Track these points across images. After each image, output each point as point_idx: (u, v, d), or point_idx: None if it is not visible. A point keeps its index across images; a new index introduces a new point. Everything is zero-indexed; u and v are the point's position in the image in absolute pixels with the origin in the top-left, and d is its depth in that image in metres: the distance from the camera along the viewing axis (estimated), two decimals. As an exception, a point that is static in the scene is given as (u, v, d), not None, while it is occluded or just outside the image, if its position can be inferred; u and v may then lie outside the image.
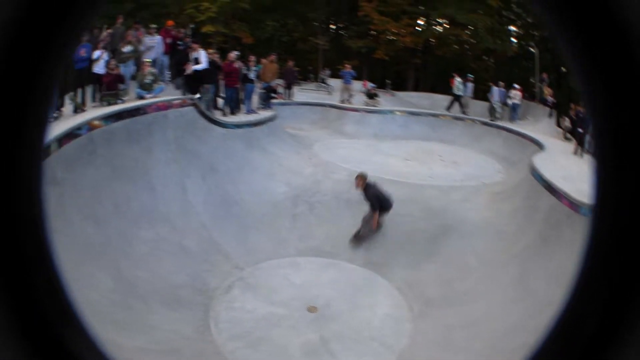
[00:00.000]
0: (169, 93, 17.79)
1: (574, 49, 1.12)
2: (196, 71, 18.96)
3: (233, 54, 21.69)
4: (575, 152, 20.18)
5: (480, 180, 19.07)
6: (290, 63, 30.42)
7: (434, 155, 22.85)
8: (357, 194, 15.26)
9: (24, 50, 1.10)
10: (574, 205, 12.45)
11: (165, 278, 11.11)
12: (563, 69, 44.39)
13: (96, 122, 12.76)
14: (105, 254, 10.72)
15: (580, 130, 20.94)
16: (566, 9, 1.08)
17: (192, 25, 36.87)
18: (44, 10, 1.09)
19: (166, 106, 15.22)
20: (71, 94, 15.12)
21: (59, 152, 11.31)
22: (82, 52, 15.73)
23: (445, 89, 35.98)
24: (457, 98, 30.23)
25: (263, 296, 11.40)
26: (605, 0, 1.02)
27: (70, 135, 11.96)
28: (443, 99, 33.43)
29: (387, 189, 15.51)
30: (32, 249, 1.23)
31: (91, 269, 10.11)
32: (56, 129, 11.95)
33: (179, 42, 22.20)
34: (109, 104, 14.81)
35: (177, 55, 21.32)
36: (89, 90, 15.93)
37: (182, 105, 15.87)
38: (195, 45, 20.72)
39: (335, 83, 33.80)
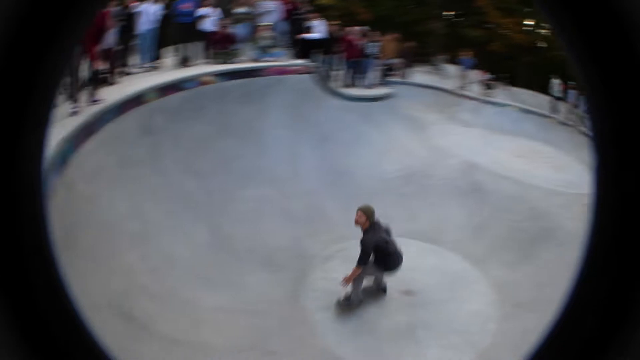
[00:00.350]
0: (287, 59, 17.78)
1: (576, 48, 1.16)
2: (311, 40, 18.99)
3: (357, 28, 21.87)
4: None
5: (577, 189, 18.20)
6: (410, 44, 30.15)
7: (541, 156, 22.29)
8: (470, 183, 15.37)
9: (26, 48, 1.11)
10: None
11: (263, 239, 11.12)
12: None
13: (207, 78, 12.86)
14: (203, 208, 10.82)
15: None
16: (567, 9, 1.11)
17: None
18: (45, 8, 1.12)
19: (283, 71, 15.36)
20: (177, 46, 15.31)
21: (159, 102, 11.51)
22: (186, 6, 15.90)
23: (540, 89, 35.57)
24: (556, 99, 29.94)
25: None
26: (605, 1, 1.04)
27: (175, 87, 12.10)
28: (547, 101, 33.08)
29: (498, 182, 15.62)
30: (33, 250, 1.26)
31: (186, 221, 10.23)
32: (156, 79, 12.11)
33: (296, 11, 22.29)
34: (223, 62, 14.91)
35: (295, 24, 21.31)
36: (194, 45, 16.08)
37: (299, 72, 15.88)
38: (312, 15, 20.82)
39: (450, 69, 33.23)
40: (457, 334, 10.01)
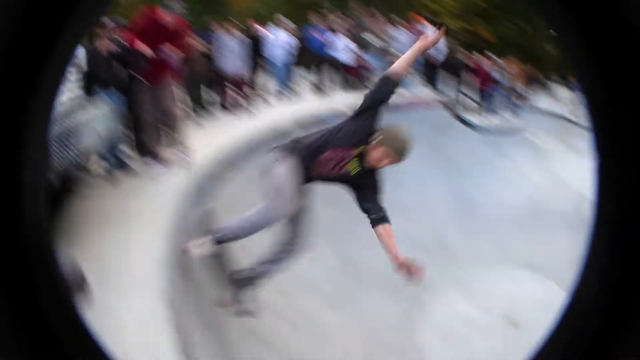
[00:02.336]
0: (419, 90, 18.19)
1: (575, 47, 1.19)
2: (437, 63, 19.39)
3: (485, 56, 22.11)
4: None
5: None
6: (530, 68, 29.82)
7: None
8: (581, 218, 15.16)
9: (28, 49, 1.13)
10: None
11: (387, 264, 11.55)
12: None
13: (343, 109, 13.48)
14: (334, 234, 11.43)
15: None
16: (568, 9, 1.12)
17: (439, 22, 37.27)
18: (46, 8, 1.13)
19: (417, 103, 15.69)
20: (313, 74, 15.79)
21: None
22: (315, 34, 16.49)
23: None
24: None
25: (474, 300, 11.75)
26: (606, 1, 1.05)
27: (315, 120, 12.73)
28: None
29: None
30: (35, 252, 1.27)
31: (319, 246, 10.94)
32: (297, 108, 12.62)
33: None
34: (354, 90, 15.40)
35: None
36: (328, 73, 16.53)
37: (431, 104, 16.44)
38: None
39: (562, 93, 32.83)
40: None
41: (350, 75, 16.12)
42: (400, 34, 20.43)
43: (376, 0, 40.93)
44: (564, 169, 20.64)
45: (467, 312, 11.24)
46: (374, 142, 5.53)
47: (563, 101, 31.33)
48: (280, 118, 12.62)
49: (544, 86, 34.23)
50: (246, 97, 13.52)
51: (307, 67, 16.75)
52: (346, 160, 5.67)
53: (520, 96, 25.43)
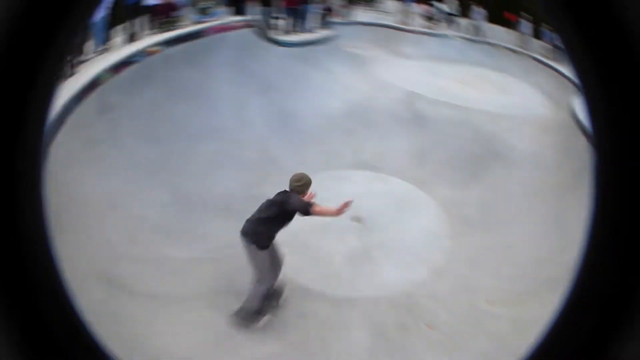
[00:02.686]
0: (226, 17, 18.11)
1: (576, 47, 1.17)
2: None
3: None
4: None
5: (528, 112, 19.22)
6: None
7: (487, 82, 22.90)
8: (412, 113, 16.54)
9: (25, 44, 1.12)
10: None
11: (220, 188, 11.79)
12: None
13: (153, 49, 13.29)
14: (160, 171, 11.41)
15: None
16: (568, 8, 1.12)
17: None
18: (45, 5, 1.13)
19: (224, 28, 15.70)
20: (124, 25, 15.64)
21: (114, 80, 11.99)
22: None
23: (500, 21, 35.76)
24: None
25: (313, 204, 11.86)
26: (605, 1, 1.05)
27: (126, 63, 12.56)
28: (503, 32, 33.23)
29: (440, 111, 16.81)
30: (34, 250, 1.27)
31: (146, 186, 10.83)
32: (109, 60, 12.51)
33: None
34: (167, 30, 15.30)
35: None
36: (139, 21, 16.20)
37: (239, 28, 16.28)
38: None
39: (391, 5, 33.31)
40: (411, 253, 10.79)
41: (158, 17, 15.89)
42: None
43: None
44: (388, 72, 21.39)
45: (312, 221, 11.39)
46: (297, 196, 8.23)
47: (392, 13, 32.10)
48: (97, 69, 12.23)
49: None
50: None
51: (124, 20, 16.38)
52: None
53: (332, 11, 25.86)
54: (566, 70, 24.64)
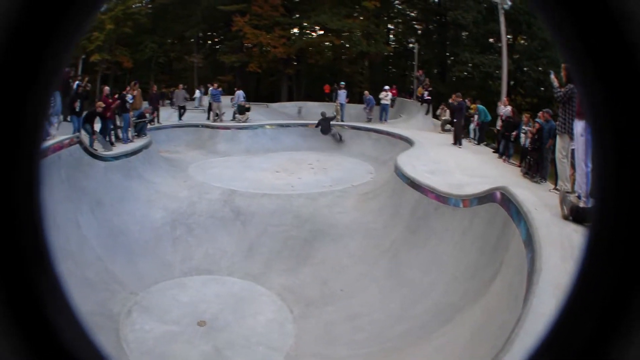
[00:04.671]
0: (64, 131, 18.31)
1: (573, 48, 1.06)
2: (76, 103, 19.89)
3: (106, 88, 22.47)
4: (455, 143, 22.26)
5: (348, 183, 20.31)
6: (154, 87, 31.46)
7: (303, 164, 23.99)
8: (234, 210, 17.27)
9: (24, 46, 1.00)
10: (440, 197, 13.81)
11: (78, 308, 11.83)
12: (448, 61, 46.07)
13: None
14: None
15: (455, 120, 23.05)
16: (565, 8, 1.03)
17: (83, 56, 36.92)
18: (43, 7, 1.02)
19: (59, 147, 15.68)
20: None
21: None
22: None
23: (320, 96, 37.43)
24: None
25: (157, 316, 12.41)
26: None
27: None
28: (317, 107, 35.16)
29: (258, 202, 17.49)
30: (30, 250, 1.11)
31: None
32: None
33: (69, 81, 22.95)
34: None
35: (66, 88, 21.99)
36: None
37: (70, 144, 16.29)
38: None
39: (206, 101, 34.37)
40: (260, 344, 11.49)
41: None
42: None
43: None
44: (205, 173, 22.23)
45: (157, 328, 11.98)
46: None
47: (201, 108, 33.46)
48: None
49: (188, 99, 34.99)
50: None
51: None
52: None
53: (147, 118, 25.93)
54: (391, 127, 26.50)
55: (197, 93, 37.90)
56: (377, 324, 11.10)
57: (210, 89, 32.80)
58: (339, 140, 28.98)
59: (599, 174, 1.12)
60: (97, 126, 20.35)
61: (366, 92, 32.73)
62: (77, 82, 23.57)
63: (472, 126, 23.67)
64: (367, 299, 12.36)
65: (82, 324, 1.21)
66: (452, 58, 45.14)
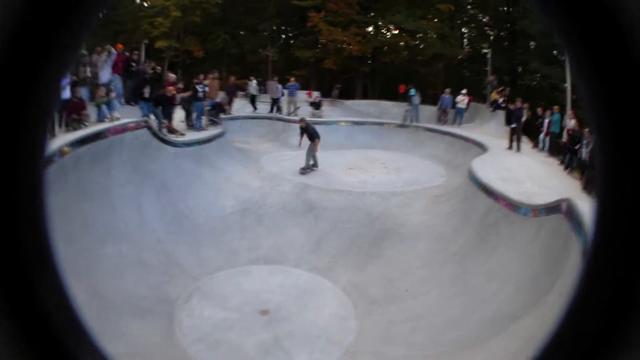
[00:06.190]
0: (127, 115, 18.41)
1: (575, 50, 1.11)
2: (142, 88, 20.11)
3: (172, 76, 22.62)
4: (510, 148, 21.77)
5: (420, 184, 20.09)
6: (232, 79, 31.37)
7: (377, 163, 23.80)
8: (305, 203, 16.98)
9: (26, 50, 1.08)
10: (512, 205, 13.52)
11: (130, 290, 12.02)
12: (519, 69, 45.28)
13: (65, 149, 13.56)
14: (77, 270, 11.54)
15: (514, 125, 22.31)
16: (566, 10, 1.08)
17: (146, 42, 37.26)
18: (45, 10, 1.08)
19: (122, 129, 15.98)
20: None
21: None
22: None
23: (394, 96, 37.02)
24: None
25: (218, 303, 12.35)
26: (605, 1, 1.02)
27: (47, 161, 12.76)
28: (391, 106, 34.85)
29: (330, 197, 17.40)
30: (34, 252, 1.21)
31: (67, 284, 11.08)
32: None
33: (132, 64, 22.93)
34: (74, 129, 15.53)
35: (133, 78, 22.09)
36: (57, 116, 16.39)
37: (136, 128, 16.67)
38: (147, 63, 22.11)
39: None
40: (321, 337, 11.29)
41: (69, 114, 15.84)
42: (100, 60, 20.70)
43: (99, 30, 40.37)
44: (278, 165, 22.19)
45: (217, 314, 11.89)
46: None
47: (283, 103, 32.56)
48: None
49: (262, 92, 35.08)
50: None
51: None
52: None
53: (222, 107, 26.45)
54: (466, 131, 26.11)
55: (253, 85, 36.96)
56: (435, 327, 10.91)
57: (282, 84, 32.57)
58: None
59: (600, 175, 1.16)
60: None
61: (447, 90, 31.47)
62: (146, 67, 23.82)
63: (541, 136, 23.26)
64: (429, 302, 12.15)
65: (84, 325, 1.32)
66: (522, 67, 44.37)
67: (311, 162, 21.01)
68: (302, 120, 22.38)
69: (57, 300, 1.29)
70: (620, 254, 1.15)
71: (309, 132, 21.36)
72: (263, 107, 31.87)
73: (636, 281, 1.12)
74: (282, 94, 31.98)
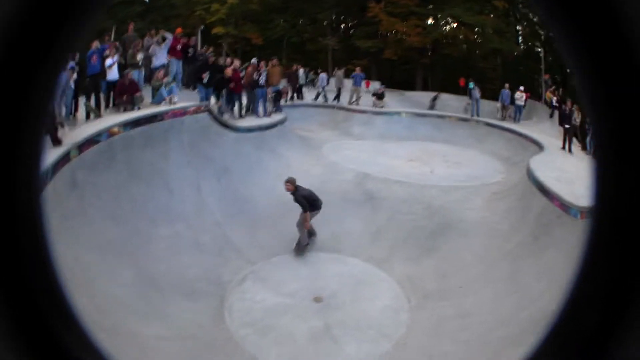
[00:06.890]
0: (184, 99, 18.49)
1: (573, 47, 1.10)
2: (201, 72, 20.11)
3: (236, 62, 22.47)
4: (563, 148, 21.37)
5: (480, 180, 19.78)
6: (295, 67, 31.34)
7: (437, 156, 23.51)
8: (364, 193, 16.60)
9: (23, 51, 1.06)
10: (564, 206, 13.22)
11: (181, 272, 11.99)
12: (568, 69, 44.51)
13: (115, 129, 13.54)
14: (125, 251, 11.58)
15: (567, 126, 21.88)
16: (566, 8, 1.06)
17: (202, 27, 37.31)
18: (44, 10, 1.06)
19: (182, 113, 16.05)
20: (84, 99, 15.77)
21: (79, 157, 12.09)
22: (94, 59, 16.44)
23: (454, 89, 36.57)
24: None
25: (272, 288, 12.22)
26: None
27: (91, 141, 12.70)
28: (451, 99, 34.37)
29: (390, 188, 16.84)
30: (31, 253, 1.20)
31: (113, 264, 10.96)
32: (76, 136, 12.69)
33: (189, 50, 22.96)
34: (125, 110, 15.59)
35: (192, 63, 22.16)
36: (103, 96, 16.67)
37: (196, 112, 16.72)
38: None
39: (346, 83, 33.44)
40: (372, 328, 11.01)
41: (120, 95, 15.90)
42: (159, 49, 20.84)
43: (152, 14, 40.81)
44: (339, 154, 22.05)
45: (269, 299, 11.75)
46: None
47: (345, 92, 32.40)
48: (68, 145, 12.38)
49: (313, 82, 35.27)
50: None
51: (88, 92, 16.34)
52: None
53: (283, 95, 26.25)
54: (524, 128, 25.65)
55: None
56: (484, 325, 10.63)
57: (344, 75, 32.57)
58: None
59: (598, 172, 1.17)
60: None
61: (506, 85, 30.59)
62: (206, 53, 23.84)
63: (588, 139, 22.67)
64: (481, 299, 11.85)
65: (84, 325, 1.35)
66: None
67: (306, 243, 14.23)
68: (288, 181, 14.33)
69: (56, 300, 1.31)
70: (618, 250, 1.15)
71: (298, 199, 14.16)
72: (308, 96, 31.76)
73: (633, 277, 1.13)
74: (328, 83, 32.02)
